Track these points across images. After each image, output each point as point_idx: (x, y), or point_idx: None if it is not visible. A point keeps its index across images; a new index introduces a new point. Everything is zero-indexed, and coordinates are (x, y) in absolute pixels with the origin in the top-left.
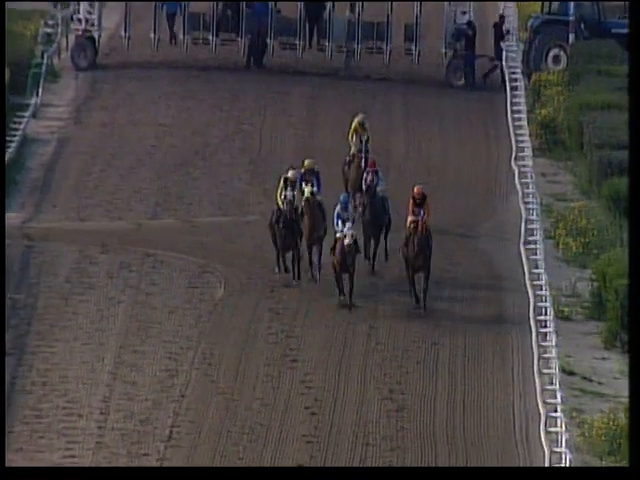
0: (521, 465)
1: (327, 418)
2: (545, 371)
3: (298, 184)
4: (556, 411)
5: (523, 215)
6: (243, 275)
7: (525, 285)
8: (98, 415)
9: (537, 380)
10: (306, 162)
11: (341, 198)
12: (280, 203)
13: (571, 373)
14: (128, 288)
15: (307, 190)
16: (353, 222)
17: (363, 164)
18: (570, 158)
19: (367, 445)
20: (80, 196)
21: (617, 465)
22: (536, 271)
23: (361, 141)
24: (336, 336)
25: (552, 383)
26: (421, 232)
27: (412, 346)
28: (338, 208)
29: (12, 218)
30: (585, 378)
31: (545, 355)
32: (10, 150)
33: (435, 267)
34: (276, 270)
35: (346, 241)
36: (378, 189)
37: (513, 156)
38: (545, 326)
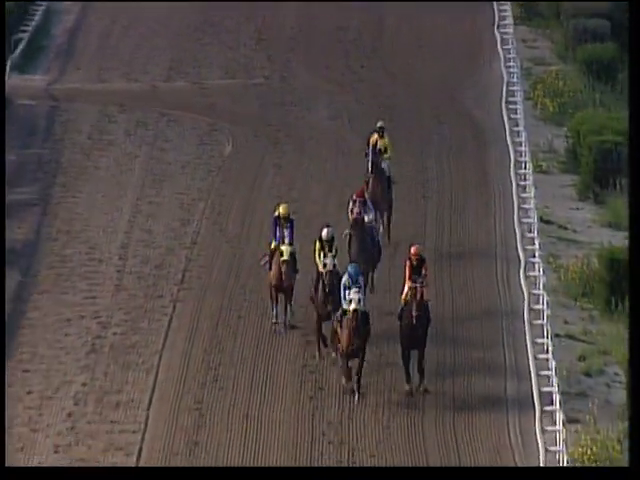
0: (502, 307)
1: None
2: (524, 220)
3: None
4: (534, 257)
5: (505, 78)
6: (249, 133)
7: (506, 142)
8: (117, 260)
9: (517, 228)
10: (281, 208)
11: (350, 269)
12: (320, 266)
13: (548, 222)
14: (144, 144)
15: (285, 250)
16: (364, 292)
17: (370, 168)
18: (548, 26)
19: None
20: (100, 60)
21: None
22: (516, 129)
23: (376, 155)
24: (333, 191)
25: (531, 231)
26: (421, 299)
27: (401, 203)
28: (345, 279)
29: (38, 80)
30: (561, 226)
31: (524, 205)
32: (36, 18)
33: (423, 127)
34: (316, 356)
35: (352, 306)
36: (366, 220)
37: (496, 24)
38: (524, 179)
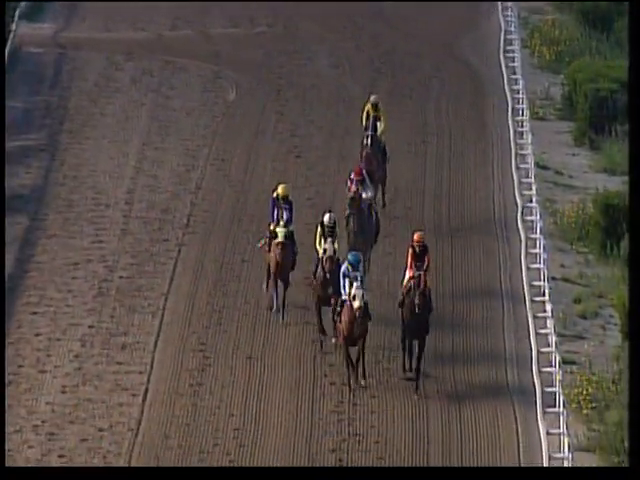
0: (500, 251)
1: (327, 208)
2: (522, 166)
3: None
4: (531, 201)
5: (502, 27)
6: (253, 80)
7: (504, 89)
8: (123, 205)
9: (515, 174)
10: (280, 189)
11: (350, 257)
12: (321, 252)
13: (545, 167)
14: (150, 92)
15: (280, 232)
16: (363, 282)
17: (370, 143)
18: None
19: None
20: (107, 9)
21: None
22: (514, 77)
23: (376, 128)
24: (334, 138)
25: (528, 176)
26: (424, 287)
27: (401, 147)
28: (344, 267)
29: (46, 29)
30: (557, 172)
31: (522, 152)
32: None
33: (423, 75)
34: (321, 337)
35: (355, 304)
36: (364, 197)
37: None
38: (522, 126)
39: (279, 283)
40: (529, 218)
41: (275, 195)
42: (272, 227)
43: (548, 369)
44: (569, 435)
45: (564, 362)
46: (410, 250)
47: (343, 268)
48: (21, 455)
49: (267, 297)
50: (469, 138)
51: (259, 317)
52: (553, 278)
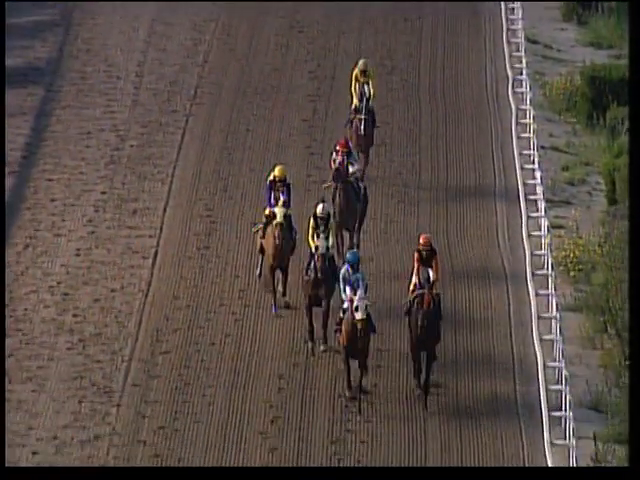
0: (492, 121)
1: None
2: (512, 40)
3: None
4: (521, 74)
5: None
6: None
7: None
8: (134, 77)
9: (506, 48)
10: (277, 170)
11: (349, 256)
12: (313, 247)
13: (535, 42)
14: None
15: (279, 211)
16: (366, 289)
17: (362, 128)
18: None
19: None
20: None
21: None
22: None
23: (362, 96)
24: (333, 14)
25: (518, 50)
26: (427, 307)
27: (397, 22)
28: (344, 269)
29: None
30: (547, 46)
31: (512, 27)
32: None
33: None
34: (309, 345)
35: (357, 315)
36: (350, 171)
37: None
38: (512, 1)
39: (277, 273)
40: (519, 90)
41: (272, 177)
42: (267, 212)
43: (537, 233)
44: (557, 295)
45: (552, 227)
46: (416, 255)
47: (343, 271)
48: (37, 314)
49: (260, 282)
50: (463, 14)
51: (263, 183)
52: (542, 147)
